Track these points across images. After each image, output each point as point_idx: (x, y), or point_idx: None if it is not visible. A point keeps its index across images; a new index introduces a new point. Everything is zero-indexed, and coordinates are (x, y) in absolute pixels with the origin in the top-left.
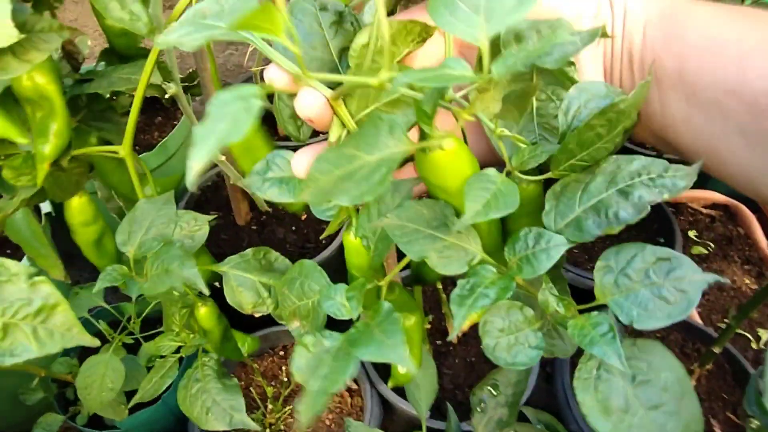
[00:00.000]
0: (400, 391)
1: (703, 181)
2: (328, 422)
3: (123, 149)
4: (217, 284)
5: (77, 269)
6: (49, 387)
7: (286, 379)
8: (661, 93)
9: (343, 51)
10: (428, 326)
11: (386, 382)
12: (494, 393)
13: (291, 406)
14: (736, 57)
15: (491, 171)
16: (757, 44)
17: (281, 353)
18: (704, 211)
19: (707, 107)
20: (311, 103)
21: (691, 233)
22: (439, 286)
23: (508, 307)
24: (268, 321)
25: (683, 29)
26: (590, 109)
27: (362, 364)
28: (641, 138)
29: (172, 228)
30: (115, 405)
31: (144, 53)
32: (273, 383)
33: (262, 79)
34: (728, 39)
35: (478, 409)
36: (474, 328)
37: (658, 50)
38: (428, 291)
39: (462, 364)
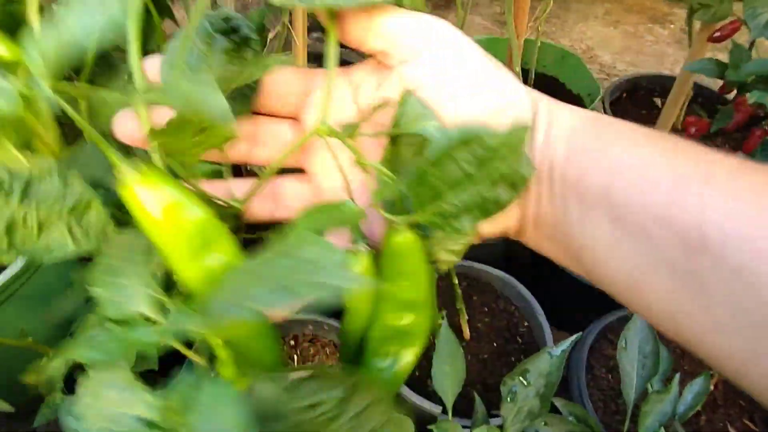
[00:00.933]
0: (413, 383)
1: None
2: None
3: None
4: None
5: None
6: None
7: None
8: (583, 210)
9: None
10: (441, 322)
11: None
12: (525, 383)
13: None
14: (668, 184)
15: (348, 202)
16: (690, 175)
17: (292, 342)
18: None
19: (634, 234)
20: (126, 128)
21: None
22: (455, 281)
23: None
24: None
25: (612, 146)
26: None
27: None
28: (556, 259)
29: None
30: None
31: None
32: None
33: None
34: (661, 164)
35: (508, 399)
36: (487, 326)
37: (583, 163)
38: (443, 285)
39: (474, 361)
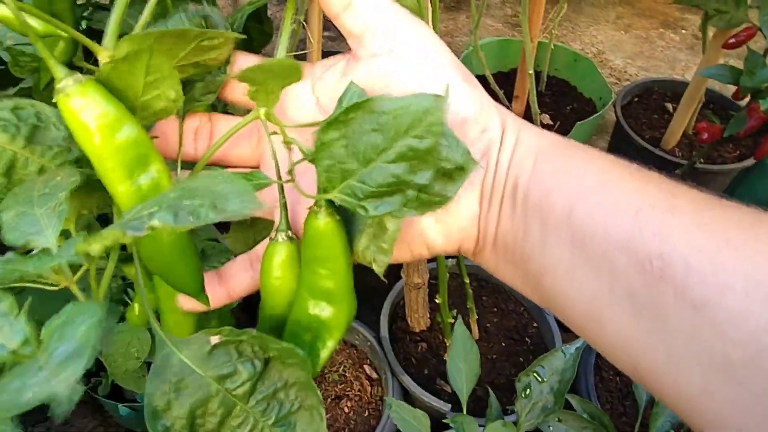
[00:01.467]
0: (422, 382)
1: (730, 192)
2: (347, 410)
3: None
4: None
5: None
6: None
7: None
8: (545, 232)
9: None
10: (452, 321)
11: (408, 373)
12: (539, 379)
13: None
14: (632, 212)
15: (258, 172)
16: (655, 204)
17: None
18: None
19: (595, 260)
20: None
21: None
22: (466, 280)
23: None
24: None
25: (577, 170)
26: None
27: (384, 353)
28: (513, 284)
29: None
30: (137, 376)
31: None
32: None
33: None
34: (625, 191)
35: (523, 395)
36: (497, 326)
37: (547, 184)
38: (453, 285)
39: (483, 360)
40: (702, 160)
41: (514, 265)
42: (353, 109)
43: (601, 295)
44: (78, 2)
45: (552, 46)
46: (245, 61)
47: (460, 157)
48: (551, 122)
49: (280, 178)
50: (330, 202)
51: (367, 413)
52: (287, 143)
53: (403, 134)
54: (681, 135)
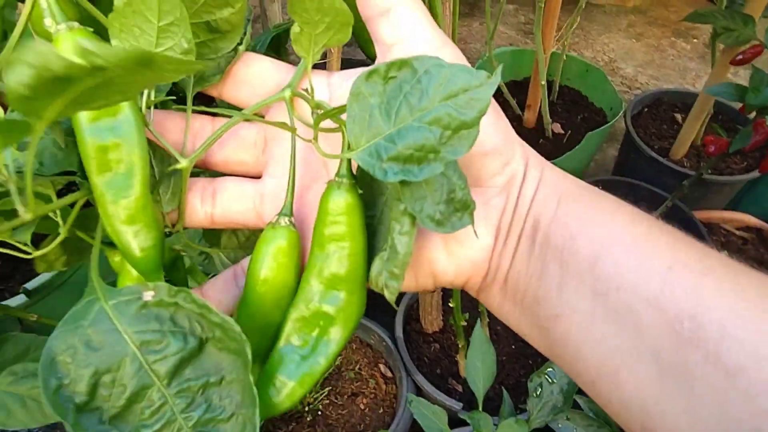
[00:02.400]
0: (435, 381)
1: (736, 202)
2: (362, 406)
3: None
4: None
5: None
6: None
7: None
8: (564, 278)
9: None
10: (464, 323)
11: (421, 372)
12: (550, 380)
13: (329, 387)
14: (664, 267)
15: None
16: (688, 263)
17: None
18: (737, 233)
19: (618, 313)
20: None
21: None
22: None
23: None
24: None
25: (604, 217)
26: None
27: (399, 352)
28: (516, 327)
29: None
30: None
31: None
32: None
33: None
34: (656, 245)
35: (534, 395)
36: (506, 328)
37: (572, 230)
38: None
39: None
40: (709, 171)
41: (523, 307)
42: (395, 66)
43: (621, 351)
44: None
45: (564, 57)
46: (254, 58)
47: (461, 195)
48: (562, 131)
49: (294, 157)
50: (352, 176)
51: (381, 410)
52: (315, 107)
53: (445, 99)
54: (689, 146)
